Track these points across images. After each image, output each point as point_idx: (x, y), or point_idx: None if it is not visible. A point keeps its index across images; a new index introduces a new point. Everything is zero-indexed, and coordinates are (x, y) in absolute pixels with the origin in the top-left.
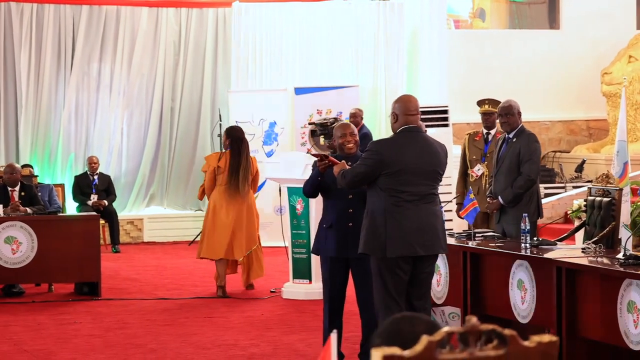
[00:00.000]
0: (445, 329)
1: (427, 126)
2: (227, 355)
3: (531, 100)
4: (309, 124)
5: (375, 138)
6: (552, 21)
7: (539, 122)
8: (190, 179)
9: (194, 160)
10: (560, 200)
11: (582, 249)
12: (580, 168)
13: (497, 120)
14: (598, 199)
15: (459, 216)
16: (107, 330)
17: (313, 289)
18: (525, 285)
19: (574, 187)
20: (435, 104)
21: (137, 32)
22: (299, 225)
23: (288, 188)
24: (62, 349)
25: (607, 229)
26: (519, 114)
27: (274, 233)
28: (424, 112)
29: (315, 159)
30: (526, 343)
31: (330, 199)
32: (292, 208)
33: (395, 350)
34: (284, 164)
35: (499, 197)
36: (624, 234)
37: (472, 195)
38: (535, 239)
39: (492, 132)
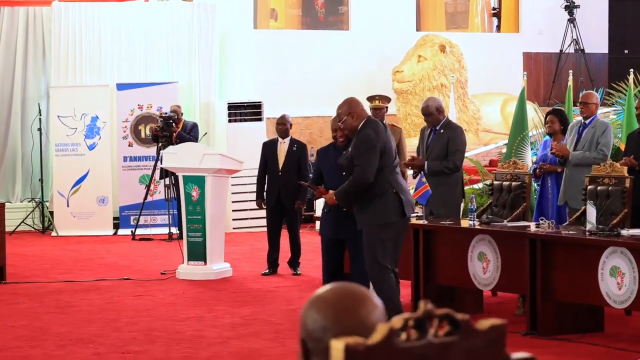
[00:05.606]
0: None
1: (242, 120)
2: (206, 325)
3: (325, 97)
4: (160, 116)
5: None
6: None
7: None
8: (1, 171)
9: (4, 154)
10: None
11: (536, 224)
12: None
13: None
14: (505, 183)
15: None
16: (62, 308)
17: (209, 270)
18: (488, 257)
19: None
20: (249, 100)
21: None
22: (194, 211)
23: (184, 176)
24: (55, 323)
25: (519, 209)
26: (438, 110)
27: (98, 222)
28: (238, 107)
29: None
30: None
31: (327, 188)
32: (188, 195)
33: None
34: (181, 154)
35: (426, 162)
36: (591, 211)
37: (424, 179)
38: (484, 216)
39: None
